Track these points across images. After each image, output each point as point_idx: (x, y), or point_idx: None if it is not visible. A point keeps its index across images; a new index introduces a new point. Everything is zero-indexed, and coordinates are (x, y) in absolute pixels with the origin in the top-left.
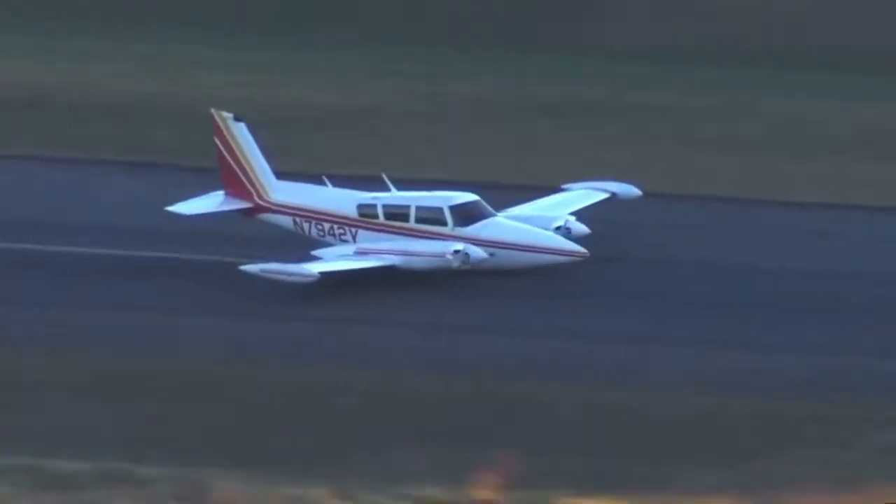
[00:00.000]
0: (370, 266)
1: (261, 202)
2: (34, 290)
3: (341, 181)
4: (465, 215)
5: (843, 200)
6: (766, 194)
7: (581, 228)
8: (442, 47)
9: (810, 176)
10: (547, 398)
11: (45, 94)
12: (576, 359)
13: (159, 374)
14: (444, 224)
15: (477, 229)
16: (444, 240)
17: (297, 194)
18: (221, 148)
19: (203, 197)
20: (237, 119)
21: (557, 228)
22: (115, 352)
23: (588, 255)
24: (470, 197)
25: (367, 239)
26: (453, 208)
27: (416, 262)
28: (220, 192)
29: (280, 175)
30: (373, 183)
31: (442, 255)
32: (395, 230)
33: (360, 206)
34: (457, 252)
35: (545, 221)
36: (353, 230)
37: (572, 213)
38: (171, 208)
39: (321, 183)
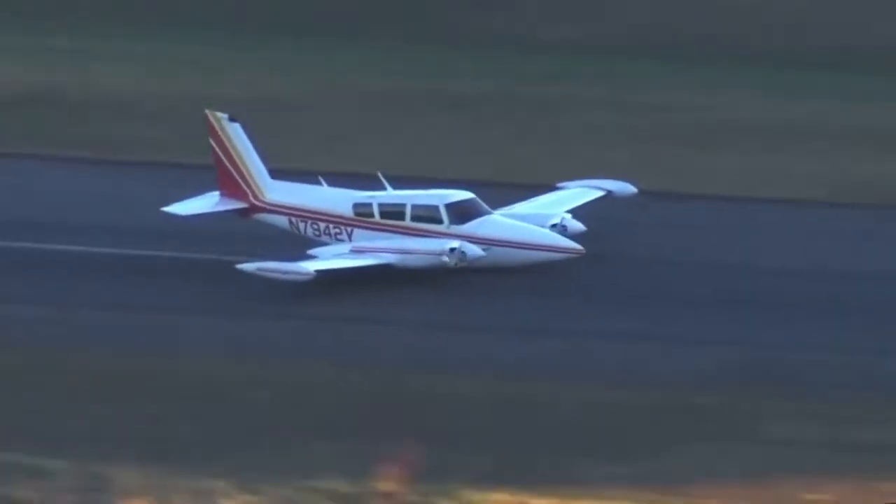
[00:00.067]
0: (366, 264)
1: (256, 202)
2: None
3: (336, 180)
4: (461, 213)
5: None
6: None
7: (577, 226)
8: (333, 38)
9: (717, 168)
10: (460, 392)
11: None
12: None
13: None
14: (440, 222)
15: (473, 227)
16: (440, 238)
17: (293, 194)
18: (216, 148)
19: (199, 197)
20: (232, 119)
21: (553, 226)
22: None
23: (584, 251)
24: (465, 195)
25: (362, 238)
26: (449, 206)
27: (413, 260)
28: (216, 193)
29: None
30: (369, 182)
31: (438, 253)
32: (390, 229)
33: (355, 206)
34: (453, 250)
35: (541, 219)
36: (349, 229)
37: (568, 211)
38: (166, 209)
39: (316, 182)
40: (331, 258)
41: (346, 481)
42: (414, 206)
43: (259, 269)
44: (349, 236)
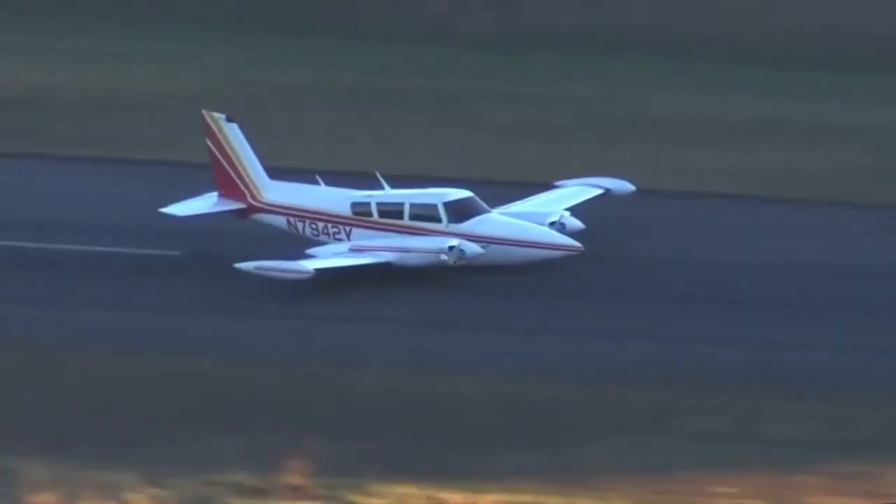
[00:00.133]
0: (365, 263)
1: (254, 202)
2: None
3: (334, 180)
4: (460, 212)
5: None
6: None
7: (575, 223)
8: (243, 33)
9: (616, 159)
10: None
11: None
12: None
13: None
14: (439, 221)
15: (471, 225)
16: (438, 236)
17: (291, 194)
18: (213, 149)
19: (196, 198)
20: (229, 120)
21: (552, 224)
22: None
23: (582, 249)
24: (464, 193)
25: (361, 237)
26: (447, 205)
27: (412, 259)
28: (214, 194)
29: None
30: (367, 181)
31: (437, 252)
32: (389, 228)
33: (354, 205)
34: (452, 248)
35: (540, 217)
36: (348, 229)
37: (567, 209)
38: (164, 210)
39: (314, 182)
40: (330, 257)
41: (254, 475)
42: (412, 205)
43: (258, 268)
44: (348, 236)
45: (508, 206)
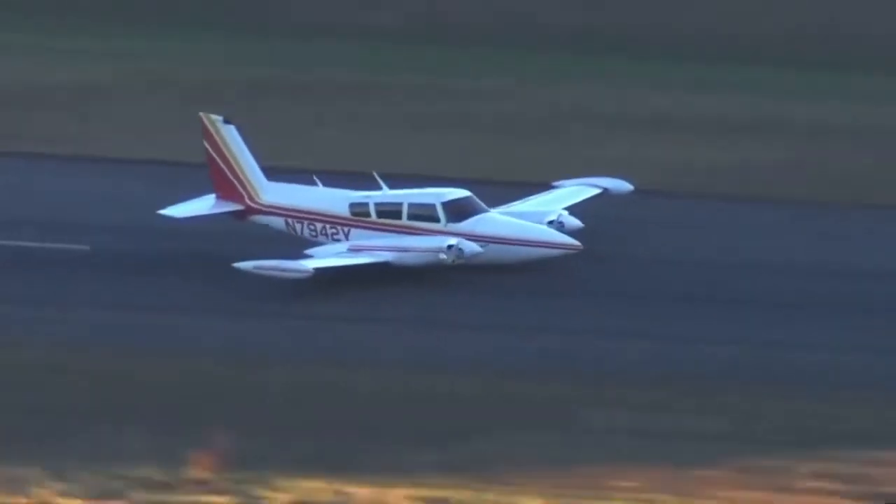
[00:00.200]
0: (364, 262)
1: (252, 204)
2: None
3: (332, 180)
4: (458, 211)
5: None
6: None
7: (574, 222)
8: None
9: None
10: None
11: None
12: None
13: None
14: (437, 220)
15: (470, 225)
16: (437, 235)
17: (289, 195)
18: (211, 151)
19: (194, 200)
20: (226, 122)
21: (551, 223)
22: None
23: (581, 247)
24: (462, 193)
25: (359, 237)
26: (445, 204)
27: (410, 258)
28: (212, 195)
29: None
30: (365, 181)
31: (436, 251)
32: (388, 228)
33: (352, 205)
34: (450, 247)
35: (538, 216)
36: (346, 229)
37: (566, 209)
38: (162, 211)
39: (312, 183)
40: (329, 257)
41: (160, 469)
42: (410, 205)
43: (256, 268)
44: (346, 236)
45: (509, 205)
